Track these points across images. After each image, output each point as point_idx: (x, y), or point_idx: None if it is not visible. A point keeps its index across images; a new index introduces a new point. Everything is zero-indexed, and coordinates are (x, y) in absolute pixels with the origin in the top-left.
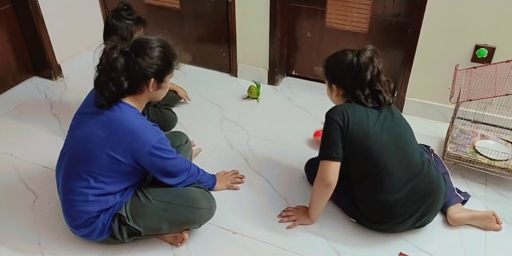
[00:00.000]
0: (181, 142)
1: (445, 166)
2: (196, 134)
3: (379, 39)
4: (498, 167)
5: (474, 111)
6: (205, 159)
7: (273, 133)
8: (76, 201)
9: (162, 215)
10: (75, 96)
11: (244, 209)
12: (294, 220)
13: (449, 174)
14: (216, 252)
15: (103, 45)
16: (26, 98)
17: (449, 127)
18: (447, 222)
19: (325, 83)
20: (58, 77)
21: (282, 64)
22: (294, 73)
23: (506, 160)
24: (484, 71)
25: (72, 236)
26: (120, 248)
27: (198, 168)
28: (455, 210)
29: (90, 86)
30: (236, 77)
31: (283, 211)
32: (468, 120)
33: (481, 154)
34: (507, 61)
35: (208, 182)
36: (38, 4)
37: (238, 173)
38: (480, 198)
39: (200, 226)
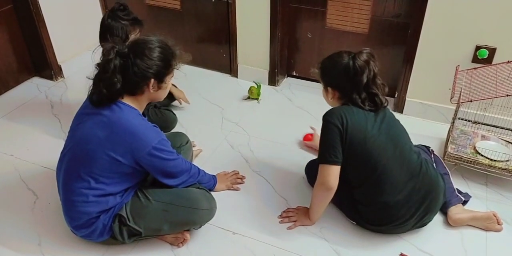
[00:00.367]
0: (181, 143)
1: (446, 167)
2: (196, 134)
3: (380, 40)
4: (499, 168)
5: (475, 111)
6: (206, 160)
7: (274, 133)
8: (77, 202)
9: (163, 215)
10: (76, 96)
11: (245, 210)
12: (295, 221)
13: (450, 174)
14: (216, 253)
15: (102, 45)
16: (26, 99)
17: (450, 127)
18: (448, 222)
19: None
20: (59, 77)
21: (282, 65)
22: (294, 74)
23: (507, 161)
24: (485, 71)
25: (73, 236)
26: (121, 248)
27: (198, 168)
28: (455, 211)
29: None
30: (237, 77)
31: (284, 211)
32: (469, 120)
33: (482, 155)
34: (508, 62)
35: (208, 183)
36: (39, 4)
37: (238, 173)
38: (480, 199)
39: (200, 227)
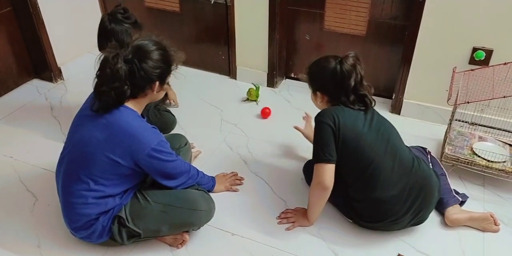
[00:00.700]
0: (180, 144)
1: (443, 168)
2: (195, 136)
3: (377, 42)
4: (496, 169)
5: (472, 113)
6: (205, 161)
7: (272, 135)
8: (76, 204)
9: (162, 217)
10: (75, 98)
11: (243, 211)
12: (293, 222)
13: (447, 175)
14: (215, 254)
15: (104, 52)
16: (26, 101)
17: (447, 129)
18: (445, 223)
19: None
20: (59, 79)
21: (281, 67)
22: (293, 76)
23: (504, 161)
24: (482, 73)
25: (72, 238)
26: (120, 250)
27: (197, 170)
28: (453, 211)
29: (90, 88)
30: (235, 79)
31: (282, 213)
32: (466, 122)
33: (479, 156)
34: (505, 63)
35: (207, 184)
36: (38, 6)
37: (237, 175)
38: (478, 200)
39: (199, 228)
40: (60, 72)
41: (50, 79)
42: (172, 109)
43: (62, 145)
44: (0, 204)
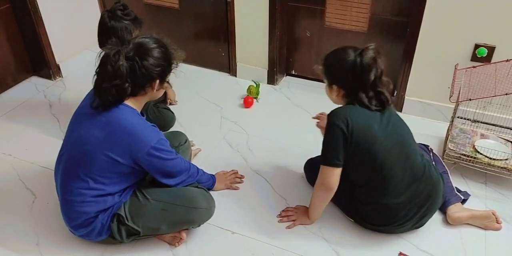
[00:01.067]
0: (180, 142)
1: (445, 166)
2: (195, 134)
3: (379, 38)
4: (498, 167)
5: (474, 110)
6: (204, 159)
7: (273, 132)
8: (75, 202)
9: (161, 215)
10: (74, 96)
11: (244, 209)
12: (294, 220)
13: (449, 173)
14: (215, 252)
15: (105, 49)
16: (25, 98)
17: (449, 126)
18: (447, 221)
19: (324, 82)
20: (57, 77)
21: (281, 64)
22: (293, 73)
23: (506, 159)
24: (484, 70)
25: (71, 236)
26: (119, 248)
27: (197, 168)
28: (454, 210)
29: (89, 86)
30: (236, 76)
31: (283, 211)
32: (468, 119)
33: (481, 154)
34: (507, 60)
35: (207, 182)
36: (37, 4)
37: (237, 173)
38: (480, 198)
39: (199, 226)
40: (59, 69)
41: (49, 77)
42: (171, 107)
43: (61, 142)
44: None
